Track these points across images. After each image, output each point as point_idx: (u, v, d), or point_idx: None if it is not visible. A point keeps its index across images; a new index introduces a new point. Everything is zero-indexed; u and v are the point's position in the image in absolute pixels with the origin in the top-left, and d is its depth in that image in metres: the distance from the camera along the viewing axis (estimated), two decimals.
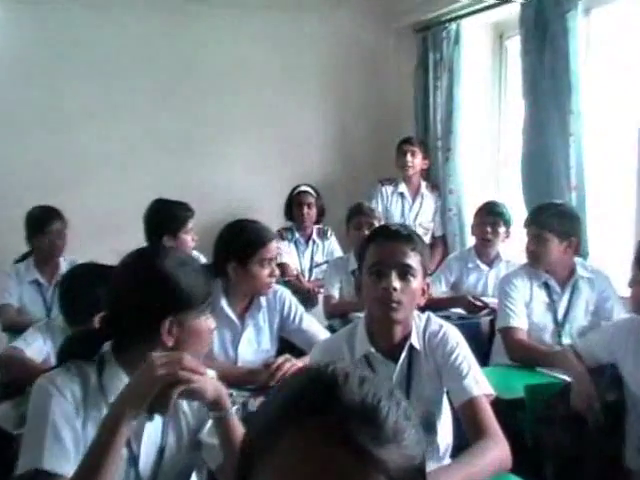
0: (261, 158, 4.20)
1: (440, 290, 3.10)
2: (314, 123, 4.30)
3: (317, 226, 3.88)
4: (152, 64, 3.86)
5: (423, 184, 3.97)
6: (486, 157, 4.02)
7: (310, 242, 3.85)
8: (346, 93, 4.36)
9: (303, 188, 3.86)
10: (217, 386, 1.11)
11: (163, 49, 3.87)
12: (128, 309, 1.17)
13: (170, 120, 3.92)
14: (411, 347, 1.51)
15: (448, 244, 3.96)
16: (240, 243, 2.05)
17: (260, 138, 4.18)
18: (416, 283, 1.46)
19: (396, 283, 1.42)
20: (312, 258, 3.83)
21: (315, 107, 4.29)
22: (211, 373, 1.16)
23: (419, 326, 1.54)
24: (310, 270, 3.81)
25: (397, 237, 1.47)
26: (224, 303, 2.11)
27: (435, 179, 4.04)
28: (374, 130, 4.38)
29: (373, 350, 1.51)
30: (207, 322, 1.22)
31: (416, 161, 3.89)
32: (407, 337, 1.52)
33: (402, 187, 3.94)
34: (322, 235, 3.87)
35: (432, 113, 4.01)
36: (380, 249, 1.46)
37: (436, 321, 1.56)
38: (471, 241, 3.32)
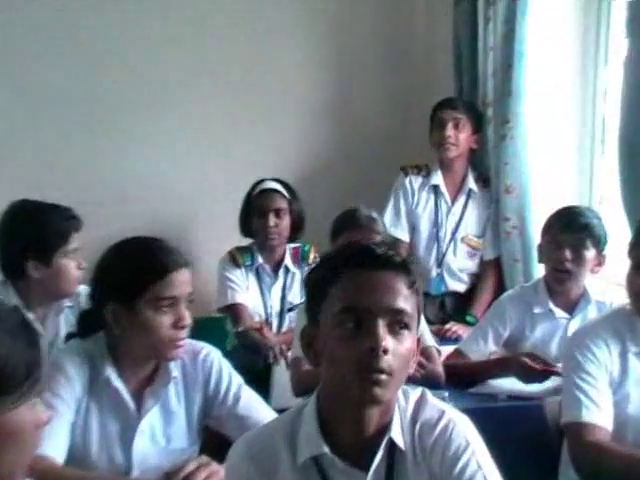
0: (211, 139, 4.30)
1: (485, 350, 3.13)
2: (298, 84, 4.39)
3: (293, 245, 3.91)
4: None
5: (471, 175, 4.05)
6: (569, 137, 4.00)
7: (281, 271, 3.85)
8: (348, 37, 4.42)
9: (268, 185, 3.86)
10: None
11: None
12: None
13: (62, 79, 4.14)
14: (391, 444, 1.54)
15: (503, 274, 3.98)
16: (127, 279, 2.09)
17: (208, 108, 4.29)
18: (411, 340, 1.51)
19: (387, 341, 1.46)
20: (284, 296, 3.84)
21: (300, 59, 4.38)
22: None
23: (404, 410, 1.58)
24: (280, 315, 3.83)
25: (386, 265, 1.50)
26: (111, 373, 2.14)
27: (483, 169, 4.08)
28: (390, 93, 4.45)
29: (327, 450, 1.53)
30: (32, 412, 1.26)
31: (461, 136, 3.97)
32: (384, 429, 1.54)
33: (437, 178, 4.03)
34: (300, 259, 3.89)
35: (481, 64, 4.00)
36: (359, 283, 1.49)
37: (434, 404, 1.60)
38: (540, 271, 3.34)
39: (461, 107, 3.98)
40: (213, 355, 2.25)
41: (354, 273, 1.49)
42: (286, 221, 3.78)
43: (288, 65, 4.43)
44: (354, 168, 4.43)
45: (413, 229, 4.01)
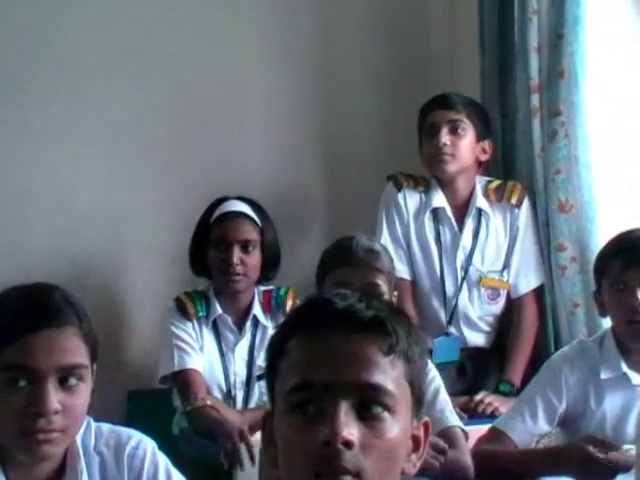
0: (148, 142, 4.33)
1: (534, 430, 3.05)
2: (267, 76, 4.46)
3: (264, 288, 3.88)
4: None
5: (479, 187, 3.99)
6: None
7: (248, 324, 3.83)
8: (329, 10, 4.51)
9: (232, 206, 3.85)
10: None
11: None
12: None
13: None
14: None
15: (556, 322, 3.95)
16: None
17: (146, 102, 4.34)
18: (397, 427, 1.51)
19: (350, 430, 1.47)
20: (251, 359, 3.82)
21: (264, 39, 4.48)
22: None
23: None
24: (247, 385, 3.80)
25: (348, 324, 1.53)
26: None
27: (524, 177, 4.04)
28: (388, 84, 4.53)
29: None
30: None
31: (462, 143, 3.88)
32: None
33: (439, 198, 3.98)
34: (274, 307, 3.85)
35: (519, 35, 3.97)
36: (312, 352, 1.54)
37: None
38: (606, 322, 3.25)
39: (459, 105, 3.93)
40: (144, 448, 2.17)
41: (306, 338, 1.53)
42: (255, 257, 3.76)
43: (252, 48, 4.43)
44: (338, 188, 4.46)
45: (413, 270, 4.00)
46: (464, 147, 3.87)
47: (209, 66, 4.38)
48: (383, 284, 3.02)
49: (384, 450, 1.47)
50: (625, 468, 2.70)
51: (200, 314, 3.74)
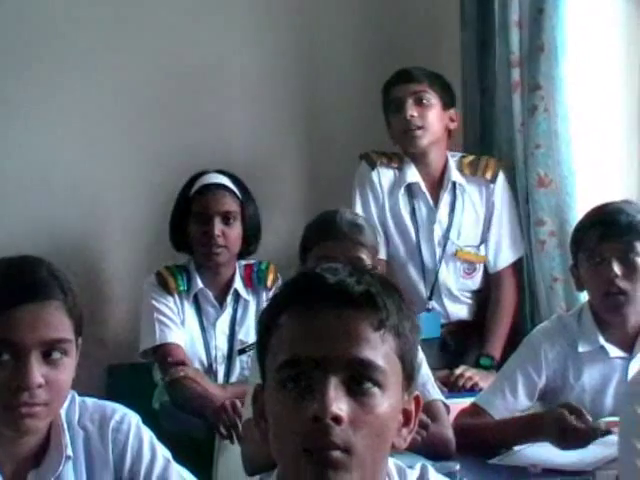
0: (127, 116, 4.30)
1: (514, 405, 3.06)
2: (241, 49, 4.44)
3: (245, 262, 3.89)
4: None
5: (452, 162, 3.99)
6: (622, 108, 3.95)
7: (229, 298, 3.84)
8: None
9: (212, 179, 3.84)
10: None
11: None
12: None
13: None
14: None
15: (535, 297, 3.96)
16: None
17: (122, 74, 4.31)
18: (386, 402, 1.52)
19: (340, 405, 1.48)
20: (233, 333, 3.83)
21: (245, 13, 4.47)
22: None
23: None
24: (229, 359, 3.81)
25: (340, 299, 1.54)
26: None
27: (503, 153, 4.05)
28: (372, 55, 4.49)
29: None
30: None
31: (430, 114, 3.88)
32: None
33: (412, 173, 3.98)
34: (255, 282, 3.87)
35: (499, 6, 3.99)
36: (302, 327, 1.55)
37: None
38: (584, 296, 3.28)
39: (420, 76, 3.92)
40: (129, 422, 2.16)
41: (296, 314, 1.53)
42: (236, 229, 3.76)
43: (234, 22, 4.42)
44: (324, 159, 4.42)
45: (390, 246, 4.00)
46: (431, 117, 3.87)
47: (189, 39, 4.37)
48: (367, 258, 3.02)
49: (374, 425, 1.48)
50: (602, 435, 2.75)
51: (181, 288, 3.75)
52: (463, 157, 3.99)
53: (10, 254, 2.19)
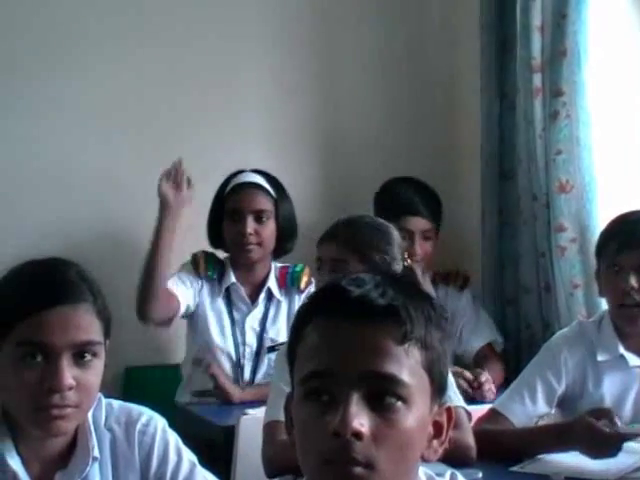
0: (136, 118, 4.34)
1: (533, 411, 3.06)
2: (257, 58, 4.50)
3: (280, 264, 3.96)
4: None
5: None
6: None
7: (262, 296, 3.90)
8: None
9: (246, 178, 3.90)
10: None
11: None
12: None
13: None
14: None
15: (558, 307, 3.92)
16: None
17: (139, 78, 4.38)
18: (412, 417, 1.50)
19: (361, 420, 1.47)
20: (263, 330, 3.88)
21: (261, 22, 4.52)
22: None
23: None
24: (257, 357, 3.86)
25: (362, 312, 1.51)
26: (6, 450, 2.07)
27: (522, 158, 4.03)
28: (390, 61, 4.59)
29: None
30: None
31: (427, 246, 4.12)
32: None
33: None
34: (288, 284, 3.92)
35: (521, 14, 3.94)
36: (324, 340, 1.54)
37: None
38: (604, 303, 3.28)
39: (424, 212, 4.08)
40: (155, 425, 2.18)
41: (319, 326, 1.53)
42: (270, 228, 3.84)
43: (250, 30, 4.46)
44: (344, 176, 4.47)
45: None
46: (428, 255, 4.10)
47: (206, 47, 4.39)
48: (354, 262, 2.97)
49: (398, 440, 1.47)
50: (633, 438, 2.73)
51: (209, 273, 3.83)
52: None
53: (28, 255, 2.22)
